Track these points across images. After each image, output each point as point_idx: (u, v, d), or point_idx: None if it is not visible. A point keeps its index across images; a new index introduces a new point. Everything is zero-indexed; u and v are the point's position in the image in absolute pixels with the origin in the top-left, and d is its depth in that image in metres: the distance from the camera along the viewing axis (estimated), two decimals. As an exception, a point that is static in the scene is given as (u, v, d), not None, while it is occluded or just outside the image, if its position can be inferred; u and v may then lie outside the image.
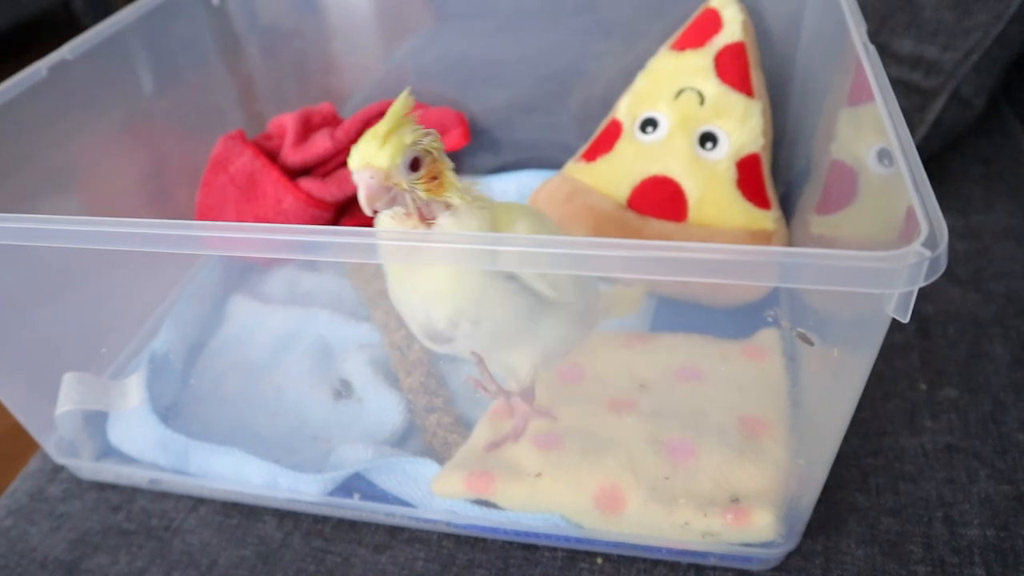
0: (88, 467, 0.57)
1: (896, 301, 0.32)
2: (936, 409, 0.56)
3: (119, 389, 0.56)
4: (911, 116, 0.74)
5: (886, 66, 0.73)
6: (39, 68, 0.57)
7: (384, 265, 0.43)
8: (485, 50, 0.79)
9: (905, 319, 0.32)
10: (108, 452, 0.57)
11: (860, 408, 0.55)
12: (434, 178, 0.39)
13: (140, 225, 0.38)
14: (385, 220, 0.40)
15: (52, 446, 0.57)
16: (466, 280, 0.40)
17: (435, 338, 0.43)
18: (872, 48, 0.45)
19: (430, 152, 0.38)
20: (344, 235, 0.36)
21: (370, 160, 0.37)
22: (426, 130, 0.39)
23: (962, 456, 0.53)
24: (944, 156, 0.80)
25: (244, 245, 0.39)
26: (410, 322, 0.44)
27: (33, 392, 0.57)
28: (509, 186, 0.75)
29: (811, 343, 0.35)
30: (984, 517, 0.49)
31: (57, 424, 0.55)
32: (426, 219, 0.40)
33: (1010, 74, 0.82)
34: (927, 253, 0.30)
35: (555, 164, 0.72)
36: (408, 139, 0.37)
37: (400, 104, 0.38)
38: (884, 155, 0.39)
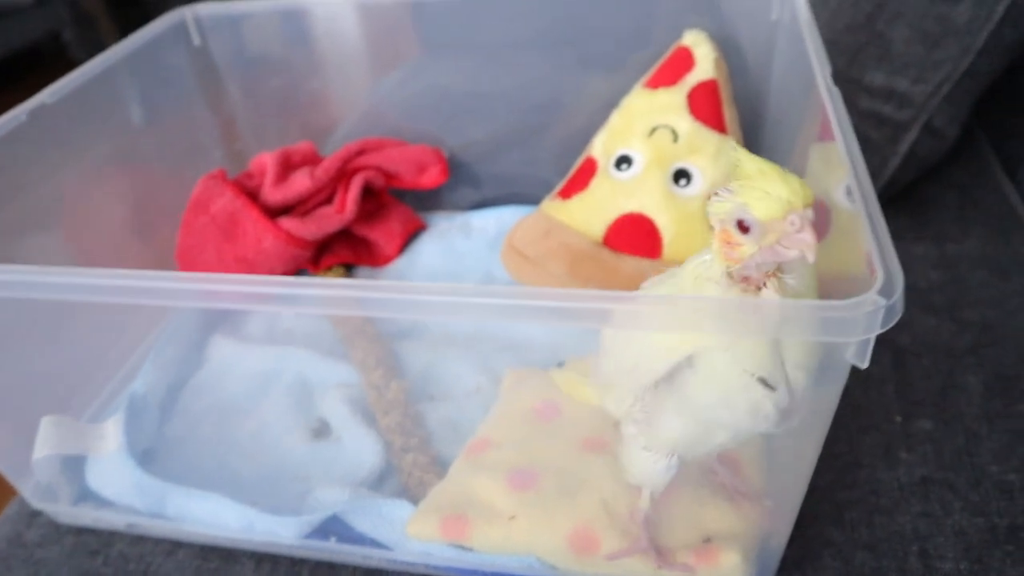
0: (66, 512, 0.57)
1: (855, 348, 0.33)
2: (911, 441, 0.56)
3: (97, 432, 0.56)
4: (884, 148, 0.75)
5: (859, 99, 0.74)
6: (18, 113, 0.58)
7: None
8: (467, 83, 0.79)
9: (863, 365, 0.33)
10: (86, 496, 0.57)
11: (836, 441, 0.56)
12: None
13: (116, 276, 0.39)
14: (708, 288, 0.36)
15: (29, 491, 0.57)
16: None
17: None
18: (836, 91, 0.46)
19: None
20: (320, 287, 0.37)
21: (806, 197, 0.33)
22: None
23: (937, 488, 0.53)
24: (919, 184, 0.81)
25: (219, 297, 0.40)
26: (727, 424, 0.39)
27: (9, 436, 0.57)
28: (489, 222, 0.75)
29: (773, 389, 0.35)
30: (958, 550, 0.50)
31: (34, 469, 0.55)
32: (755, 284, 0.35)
33: (984, 102, 0.83)
34: (882, 301, 0.31)
35: (535, 200, 0.72)
36: None
37: (752, 155, 0.35)
38: (850, 191, 0.40)
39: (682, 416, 0.40)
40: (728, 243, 0.35)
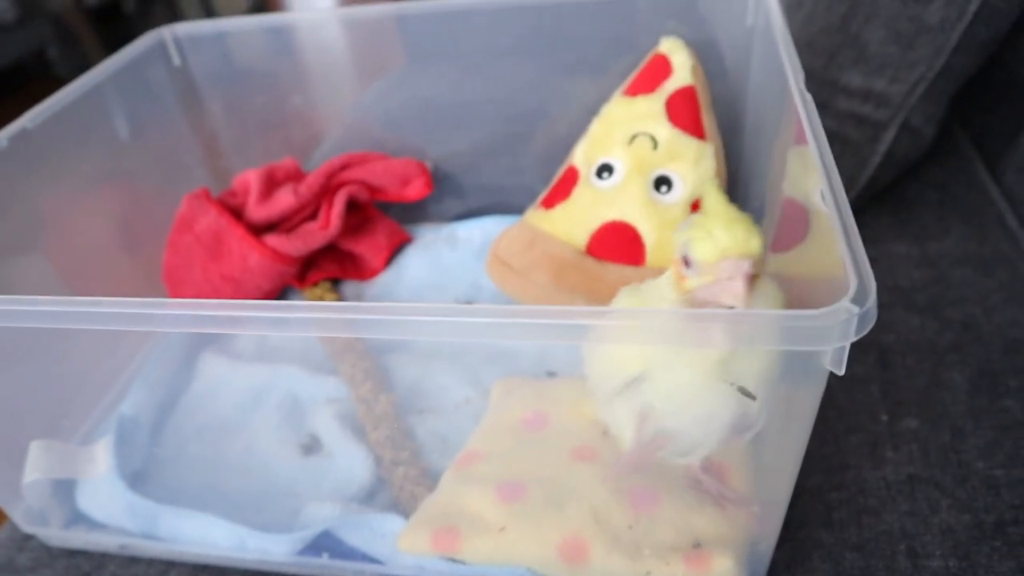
0: (58, 535, 0.57)
1: (831, 356, 0.33)
2: (897, 440, 0.57)
3: (86, 455, 0.56)
4: (864, 147, 0.75)
5: (837, 100, 0.75)
6: (-1, 139, 0.58)
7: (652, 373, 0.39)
8: (450, 94, 0.80)
9: (840, 372, 0.33)
10: (77, 519, 0.57)
11: (823, 442, 0.57)
12: None
13: (102, 304, 0.39)
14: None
15: (20, 515, 0.57)
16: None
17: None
18: (809, 97, 0.46)
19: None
20: (311, 311, 0.37)
21: (745, 248, 0.34)
22: None
23: (923, 487, 0.54)
24: (900, 183, 0.81)
25: (207, 323, 0.39)
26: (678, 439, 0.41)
27: None
28: (474, 233, 0.75)
29: (753, 397, 0.36)
30: (946, 548, 0.50)
31: (24, 493, 0.55)
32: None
33: (964, 100, 0.83)
34: (855, 309, 0.31)
35: (519, 209, 0.73)
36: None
37: (719, 194, 0.36)
38: (824, 196, 0.40)
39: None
40: (678, 272, 0.36)
